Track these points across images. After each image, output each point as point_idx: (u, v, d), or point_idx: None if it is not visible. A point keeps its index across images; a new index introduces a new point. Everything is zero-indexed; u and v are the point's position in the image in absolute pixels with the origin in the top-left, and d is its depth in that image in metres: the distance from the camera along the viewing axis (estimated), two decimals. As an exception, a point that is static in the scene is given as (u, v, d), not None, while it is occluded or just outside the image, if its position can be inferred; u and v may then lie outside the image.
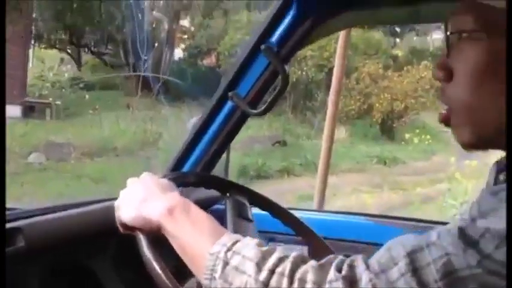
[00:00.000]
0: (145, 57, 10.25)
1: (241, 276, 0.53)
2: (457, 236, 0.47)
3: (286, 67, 1.02)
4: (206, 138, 1.16)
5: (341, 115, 10.56)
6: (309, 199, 6.44)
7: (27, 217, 0.86)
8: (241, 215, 0.94)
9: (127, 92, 10.53)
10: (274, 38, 1.01)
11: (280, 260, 0.52)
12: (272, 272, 0.51)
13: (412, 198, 6.52)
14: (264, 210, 1.04)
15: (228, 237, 0.59)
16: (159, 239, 0.69)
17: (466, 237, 0.47)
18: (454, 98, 0.56)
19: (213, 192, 1.13)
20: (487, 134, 0.55)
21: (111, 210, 1.00)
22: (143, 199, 0.69)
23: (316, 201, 4.66)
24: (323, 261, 0.52)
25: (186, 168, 1.19)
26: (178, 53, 13.15)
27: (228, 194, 0.98)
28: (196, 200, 1.18)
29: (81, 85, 10.01)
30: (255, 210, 1.02)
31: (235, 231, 0.87)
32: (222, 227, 0.64)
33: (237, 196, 0.99)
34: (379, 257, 0.50)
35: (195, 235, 0.61)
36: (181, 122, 8.45)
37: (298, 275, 0.50)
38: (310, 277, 0.49)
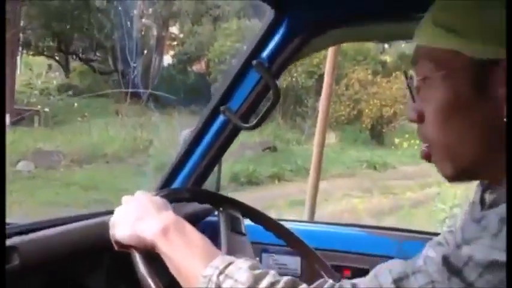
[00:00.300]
0: (135, 64, 10.22)
1: None
2: (441, 263, 0.49)
3: (277, 82, 1.03)
4: (198, 152, 1.17)
5: (331, 121, 10.62)
6: (300, 204, 6.45)
7: (20, 233, 0.86)
8: (234, 229, 0.95)
9: (116, 99, 10.49)
10: (265, 53, 1.02)
11: (272, 285, 0.54)
12: None
13: (402, 203, 6.57)
14: (256, 223, 1.05)
15: (220, 260, 0.60)
16: (153, 255, 0.69)
17: (450, 265, 0.48)
18: (429, 137, 0.60)
19: (205, 205, 1.14)
20: (466, 166, 0.58)
21: (105, 226, 1.00)
22: (138, 218, 0.69)
23: (307, 207, 4.68)
24: (314, 285, 0.54)
25: (178, 181, 1.19)
26: (168, 59, 13.15)
27: (221, 208, 0.99)
28: (189, 213, 1.20)
29: (70, 92, 9.94)
30: (248, 222, 1.03)
31: (229, 245, 0.88)
32: (216, 248, 0.64)
33: (230, 210, 1.00)
34: (367, 283, 0.51)
35: (189, 256, 0.62)
36: (172, 129, 8.43)
37: None
38: None
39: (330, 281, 0.54)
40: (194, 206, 1.16)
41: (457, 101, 0.56)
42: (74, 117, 9.07)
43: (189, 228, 0.66)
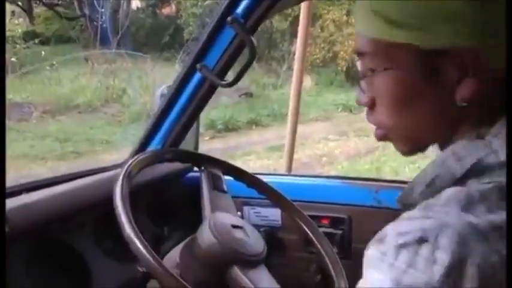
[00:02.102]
0: (102, 9, 9.77)
1: None
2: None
3: (253, 38, 1.02)
4: (175, 111, 1.16)
5: (306, 64, 10.54)
6: (279, 150, 6.54)
7: (8, 195, 0.87)
8: (216, 187, 0.97)
9: (84, 46, 10.09)
10: (240, 9, 1.00)
11: None
12: None
13: (376, 145, 6.72)
14: (237, 180, 1.08)
15: None
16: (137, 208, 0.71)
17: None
18: (381, 123, 0.61)
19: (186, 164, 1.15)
20: (420, 146, 0.61)
21: (89, 187, 1.02)
22: None
23: (286, 152, 4.74)
24: None
25: (156, 140, 1.20)
26: (136, 3, 12.59)
27: (202, 167, 1.01)
28: (170, 172, 1.21)
29: (36, 40, 9.51)
30: (228, 178, 1.05)
31: (212, 203, 0.90)
32: None
33: (212, 169, 1.01)
34: None
35: None
36: (145, 77, 8.25)
37: None
38: None
39: None
40: (175, 164, 1.17)
41: (408, 92, 0.56)
42: (42, 66, 8.73)
43: None
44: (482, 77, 0.52)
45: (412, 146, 0.61)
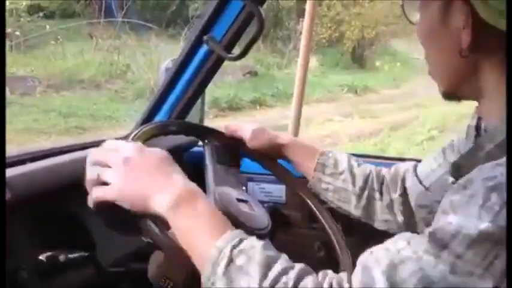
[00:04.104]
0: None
1: (244, 278, 0.54)
2: (428, 240, 0.50)
3: (261, 9, 1.00)
4: (181, 83, 1.15)
5: (312, 44, 10.42)
6: (281, 130, 6.52)
7: (10, 165, 0.87)
8: (220, 160, 0.96)
9: (89, 20, 9.99)
10: (250, -21, 0.97)
11: (285, 271, 0.55)
12: (276, 280, 0.54)
13: (381, 126, 6.69)
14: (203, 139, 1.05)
15: (233, 234, 0.59)
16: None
17: (437, 240, 0.49)
18: (426, 59, 0.68)
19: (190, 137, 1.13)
20: (446, 86, 0.66)
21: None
22: (146, 191, 0.63)
23: (290, 132, 4.73)
24: (320, 278, 0.55)
25: (162, 113, 1.18)
26: None
27: (206, 141, 0.99)
28: (173, 145, 1.20)
29: (41, 14, 9.41)
30: None
31: (215, 177, 0.89)
32: (227, 220, 0.63)
33: (215, 142, 1.00)
34: (360, 277, 0.52)
35: (200, 228, 0.60)
36: (149, 53, 8.18)
37: (300, 285, 0.53)
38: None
39: (330, 273, 0.55)
40: (180, 138, 1.16)
41: (428, 29, 0.65)
42: (46, 40, 8.64)
43: (198, 195, 0.64)
44: (479, 28, 0.58)
45: (445, 87, 0.66)
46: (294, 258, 0.60)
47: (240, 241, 0.58)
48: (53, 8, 10.39)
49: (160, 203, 0.62)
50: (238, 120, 6.87)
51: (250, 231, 0.76)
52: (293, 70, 9.92)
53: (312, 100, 8.35)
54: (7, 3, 9.08)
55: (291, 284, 0.53)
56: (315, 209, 0.99)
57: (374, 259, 0.52)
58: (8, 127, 5.70)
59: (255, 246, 0.57)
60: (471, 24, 0.59)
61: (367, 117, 7.34)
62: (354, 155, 1.15)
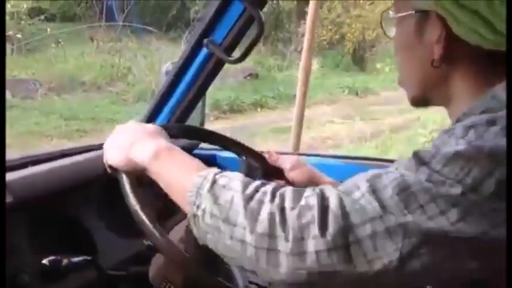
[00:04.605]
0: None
1: (228, 192, 0.59)
2: (411, 157, 0.55)
3: (261, 13, 1.00)
4: (181, 86, 1.15)
5: (313, 46, 10.41)
6: (284, 132, 6.50)
7: (11, 168, 0.87)
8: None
9: (90, 23, 9.99)
10: (250, -17, 0.98)
11: (263, 184, 0.60)
12: (256, 190, 0.58)
13: (382, 128, 6.68)
14: (242, 156, 1.06)
15: (214, 168, 0.64)
16: (140, 181, 0.71)
17: (419, 158, 0.54)
18: (398, 68, 0.72)
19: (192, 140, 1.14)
20: (417, 94, 0.70)
21: (94, 161, 1.01)
22: (131, 143, 0.72)
23: (293, 134, 4.73)
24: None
25: (162, 116, 1.19)
26: None
27: (245, 158, 1.00)
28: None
29: (42, 17, 9.43)
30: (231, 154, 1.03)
31: None
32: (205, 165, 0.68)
33: (256, 164, 1.01)
34: (344, 184, 0.57)
35: (182, 171, 0.65)
36: (150, 56, 8.19)
37: (279, 192, 0.57)
38: (289, 194, 0.57)
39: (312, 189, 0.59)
40: (181, 140, 1.16)
41: (403, 42, 0.69)
42: (47, 43, 8.59)
43: (180, 152, 0.70)
44: (451, 42, 0.62)
45: (414, 94, 0.71)
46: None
47: (221, 171, 0.63)
48: (53, 10, 10.40)
49: (141, 153, 0.69)
50: (239, 123, 6.86)
51: None
52: (294, 72, 9.94)
53: (312, 102, 8.35)
54: (8, 5, 9.12)
55: (270, 189, 0.58)
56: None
57: (363, 174, 0.57)
58: (10, 131, 5.73)
59: (234, 173, 0.62)
60: (444, 38, 0.63)
61: (367, 119, 7.33)
62: (356, 157, 1.16)
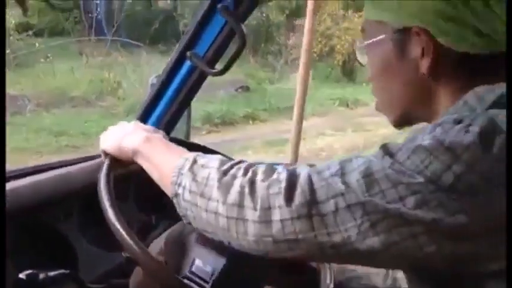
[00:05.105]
0: (97, 1, 9.63)
1: (205, 170, 0.63)
2: (379, 148, 0.58)
3: (243, 26, 1.01)
4: (165, 98, 1.15)
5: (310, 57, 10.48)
6: (276, 145, 6.49)
7: None
8: None
9: (79, 38, 9.88)
10: (230, -4, 0.99)
11: (240, 161, 0.65)
12: (232, 166, 0.63)
13: (375, 139, 6.68)
14: None
15: (199, 153, 0.69)
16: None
17: (386, 149, 0.57)
18: (375, 92, 0.73)
19: None
20: (400, 115, 0.71)
21: (74, 174, 1.01)
22: (126, 133, 0.79)
23: (292, 146, 4.75)
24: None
25: (146, 129, 1.19)
26: None
27: None
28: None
29: (30, 32, 9.40)
30: None
31: None
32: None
33: None
34: (318, 165, 0.60)
35: (168, 155, 0.70)
36: (140, 70, 8.18)
37: (252, 168, 0.62)
38: (261, 168, 0.61)
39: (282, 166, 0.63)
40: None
41: (384, 63, 0.68)
42: (36, 58, 8.49)
43: (170, 142, 0.76)
44: (438, 54, 0.63)
45: (394, 117, 0.71)
46: (274, 269, 0.60)
47: (203, 154, 0.68)
48: (41, 26, 10.36)
49: (134, 139, 0.76)
50: (230, 136, 6.85)
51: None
52: (284, 84, 9.99)
53: (304, 114, 8.36)
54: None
55: (244, 165, 0.62)
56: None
57: (337, 159, 0.60)
58: (-2, 146, 5.65)
59: (215, 155, 0.67)
60: (431, 51, 0.63)
61: (360, 131, 7.35)
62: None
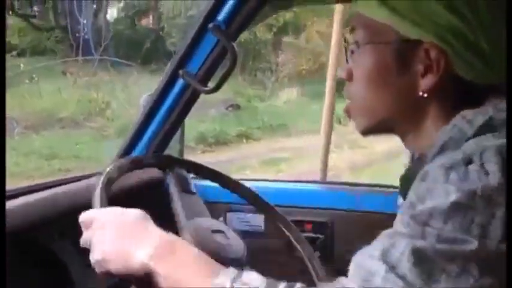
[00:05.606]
0: (84, 21, 9.58)
1: None
2: (407, 219, 0.52)
3: (235, 44, 1.03)
4: (158, 117, 1.16)
5: (292, 75, 10.59)
6: (274, 164, 6.37)
7: None
8: (184, 189, 0.97)
9: (62, 57, 9.67)
10: (222, 15, 1.00)
11: (290, 285, 0.55)
12: None
13: (374, 157, 6.62)
14: (221, 186, 1.05)
15: (229, 270, 0.58)
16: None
17: (415, 219, 0.52)
18: (352, 94, 0.68)
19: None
20: (378, 122, 0.66)
21: (68, 194, 1.01)
22: (122, 244, 0.62)
23: (321, 160, 4.86)
24: None
25: (139, 149, 1.19)
26: (112, 12, 12.32)
27: (167, 170, 0.98)
28: (152, 178, 1.18)
29: (14, 53, 9.27)
30: (210, 183, 1.03)
31: (185, 208, 0.89)
32: (214, 261, 0.61)
33: (177, 170, 1.01)
34: (356, 275, 0.53)
35: (190, 273, 0.58)
36: (130, 90, 8.12)
37: None
38: None
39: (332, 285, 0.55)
40: (157, 171, 1.14)
41: (380, 70, 0.63)
42: (20, 79, 8.16)
43: (179, 243, 0.63)
44: (443, 76, 0.60)
45: (371, 123, 0.67)
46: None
47: (238, 274, 0.56)
48: (22, 45, 10.21)
49: (141, 256, 0.60)
50: (226, 155, 6.76)
51: (225, 261, 0.76)
52: (274, 101, 9.99)
53: (298, 131, 8.33)
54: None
55: None
56: (292, 238, 1.00)
57: (367, 254, 0.53)
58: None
59: (253, 274, 0.56)
60: (441, 72, 0.60)
61: (355, 148, 7.27)
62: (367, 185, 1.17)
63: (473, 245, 0.49)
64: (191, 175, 1.18)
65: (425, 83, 0.61)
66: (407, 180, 0.63)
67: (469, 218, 0.50)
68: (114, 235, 0.64)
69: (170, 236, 0.63)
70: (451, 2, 0.58)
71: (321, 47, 10.87)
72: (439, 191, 0.51)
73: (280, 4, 1.12)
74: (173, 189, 0.91)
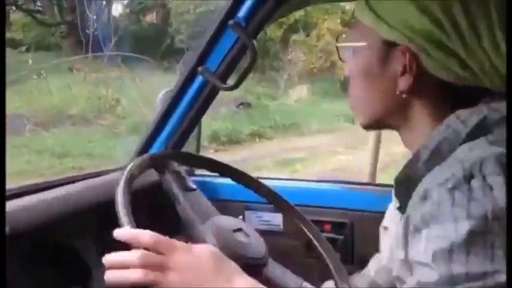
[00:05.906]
0: (94, 17, 9.54)
1: None
2: (432, 262, 0.50)
3: (255, 41, 1.02)
4: (176, 114, 1.15)
5: (302, 73, 10.54)
6: (288, 164, 6.27)
7: (8, 197, 0.86)
8: (184, 187, 0.97)
9: (68, 54, 9.64)
10: (242, 13, 0.99)
11: None
12: None
13: (391, 158, 6.50)
14: (243, 185, 1.04)
15: None
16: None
17: (440, 260, 0.50)
18: (350, 93, 0.72)
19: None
20: (371, 119, 0.70)
21: (88, 190, 1.00)
22: (206, 279, 0.61)
23: (371, 163, 4.77)
24: None
25: (157, 145, 1.18)
26: (117, 8, 12.27)
27: (164, 169, 0.96)
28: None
29: (22, 48, 9.28)
30: (228, 181, 1.03)
31: (192, 207, 0.88)
32: None
33: (174, 167, 1.00)
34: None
35: None
36: (140, 86, 8.04)
37: None
38: None
39: None
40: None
41: (365, 70, 0.68)
42: (28, 75, 8.10)
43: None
44: (419, 76, 0.63)
45: (366, 119, 0.70)
46: None
47: None
48: (27, 41, 10.23)
49: None
50: (239, 155, 6.71)
51: (246, 260, 0.75)
52: (285, 100, 9.95)
53: (311, 131, 8.26)
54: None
55: None
56: (312, 238, 0.99)
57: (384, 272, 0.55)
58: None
59: None
60: (414, 72, 0.63)
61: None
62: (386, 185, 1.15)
63: (502, 278, 0.48)
64: (186, 168, 1.17)
65: (403, 83, 0.64)
66: (402, 182, 0.64)
67: (489, 243, 0.49)
68: (195, 279, 0.62)
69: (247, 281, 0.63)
70: (426, 6, 0.61)
71: (332, 45, 10.83)
72: (446, 216, 0.50)
73: (298, 2, 1.10)
74: (176, 190, 0.90)
